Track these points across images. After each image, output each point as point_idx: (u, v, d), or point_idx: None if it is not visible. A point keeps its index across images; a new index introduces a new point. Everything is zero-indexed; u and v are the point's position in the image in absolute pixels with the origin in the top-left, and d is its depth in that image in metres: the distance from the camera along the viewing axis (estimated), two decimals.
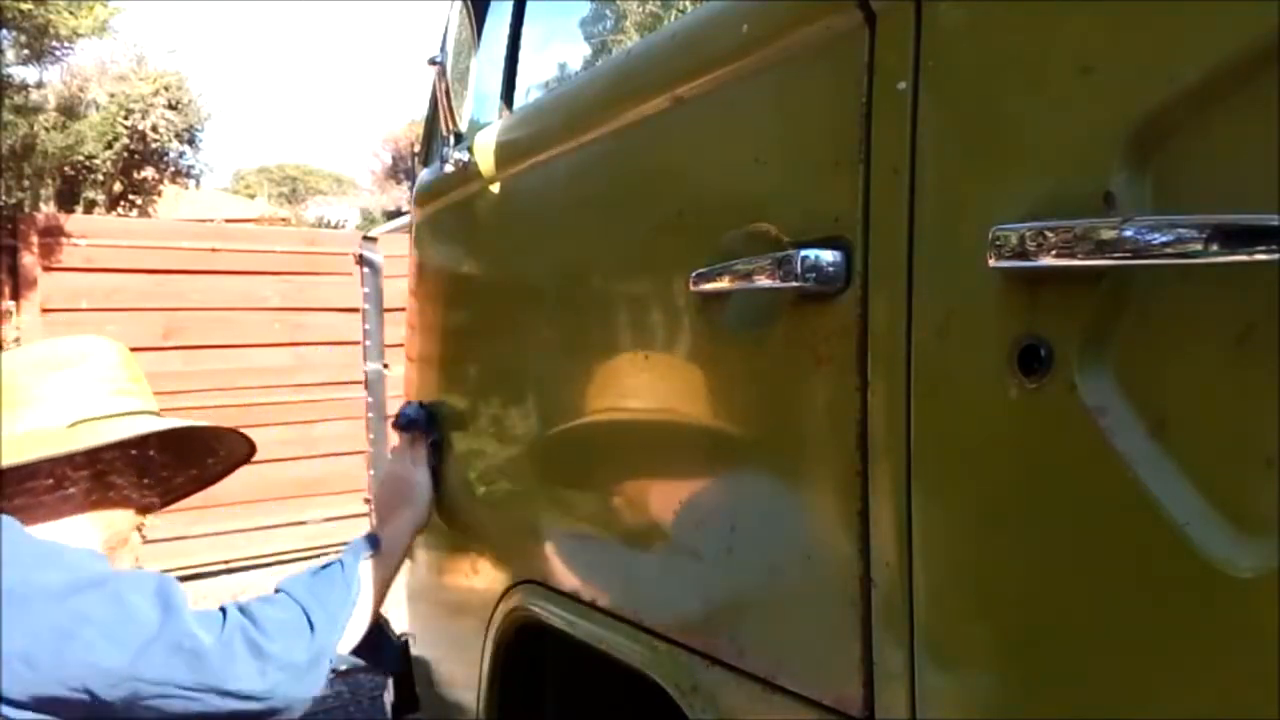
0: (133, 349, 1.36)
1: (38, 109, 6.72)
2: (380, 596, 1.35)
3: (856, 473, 0.76)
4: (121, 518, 1.28)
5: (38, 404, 1.20)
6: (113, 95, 9.18)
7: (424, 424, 1.56)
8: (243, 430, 1.43)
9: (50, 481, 1.20)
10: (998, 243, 0.61)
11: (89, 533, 1.22)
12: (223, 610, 1.18)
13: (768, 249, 0.84)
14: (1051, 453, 0.62)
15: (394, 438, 1.64)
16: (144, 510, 1.32)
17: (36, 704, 1.04)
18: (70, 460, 1.20)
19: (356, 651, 1.33)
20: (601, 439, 1.18)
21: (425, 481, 1.50)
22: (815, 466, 0.83)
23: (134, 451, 1.27)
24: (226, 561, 5.21)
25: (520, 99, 1.57)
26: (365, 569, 1.31)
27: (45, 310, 4.65)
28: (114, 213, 8.96)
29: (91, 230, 5.00)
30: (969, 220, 0.66)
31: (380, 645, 1.45)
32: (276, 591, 1.25)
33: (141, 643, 1.07)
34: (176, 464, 1.40)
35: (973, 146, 0.68)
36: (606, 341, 1.16)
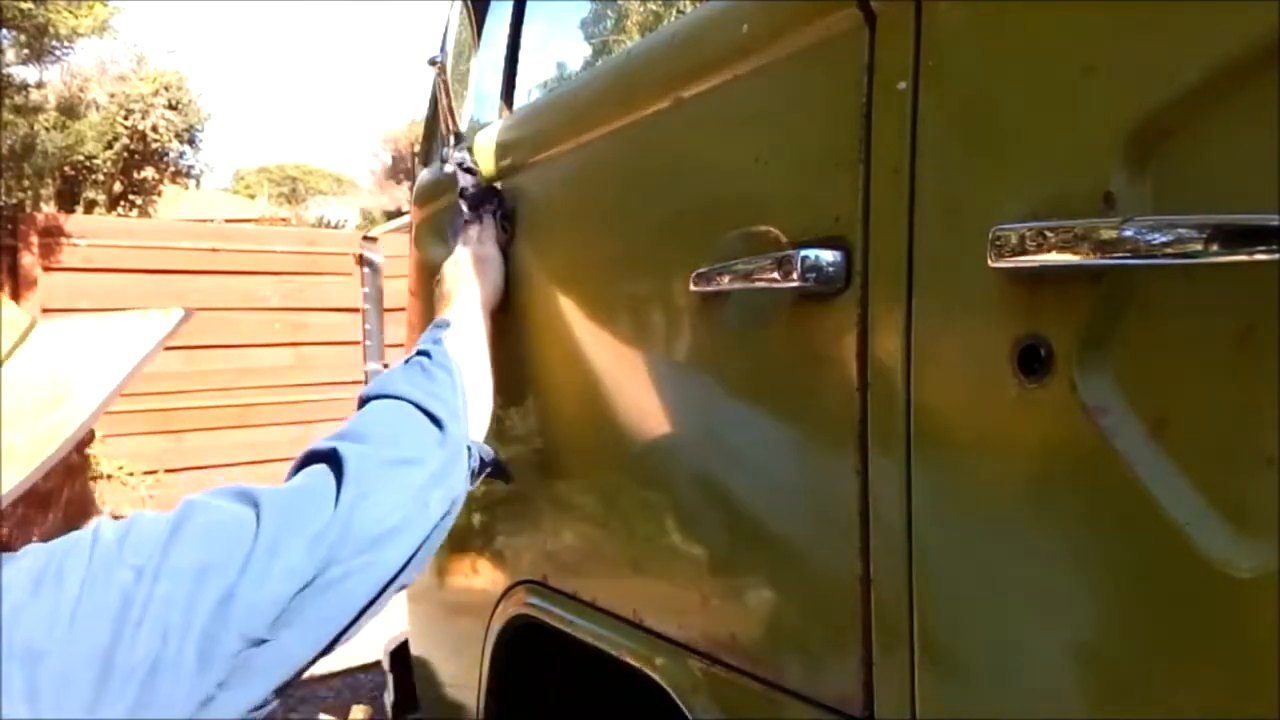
0: None
1: (38, 109, 6.71)
2: (482, 373, 1.15)
3: (856, 472, 0.76)
4: None
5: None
6: (113, 95, 9.18)
7: (493, 200, 1.37)
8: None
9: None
10: (998, 243, 0.61)
11: None
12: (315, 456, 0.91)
13: (768, 249, 0.84)
14: (1051, 453, 0.62)
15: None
16: None
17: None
18: None
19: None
20: (601, 439, 1.18)
21: (495, 256, 1.32)
22: (815, 467, 0.83)
23: None
24: None
25: (520, 99, 1.57)
26: (455, 349, 1.10)
27: (45, 310, 4.66)
28: (114, 213, 8.95)
29: (91, 230, 5.00)
30: (969, 220, 0.66)
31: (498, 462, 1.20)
32: (364, 403, 1.02)
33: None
34: None
35: (973, 146, 0.68)
36: (606, 341, 1.16)
